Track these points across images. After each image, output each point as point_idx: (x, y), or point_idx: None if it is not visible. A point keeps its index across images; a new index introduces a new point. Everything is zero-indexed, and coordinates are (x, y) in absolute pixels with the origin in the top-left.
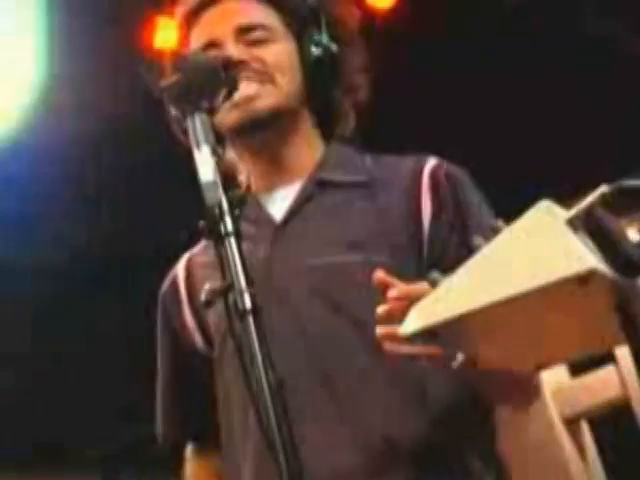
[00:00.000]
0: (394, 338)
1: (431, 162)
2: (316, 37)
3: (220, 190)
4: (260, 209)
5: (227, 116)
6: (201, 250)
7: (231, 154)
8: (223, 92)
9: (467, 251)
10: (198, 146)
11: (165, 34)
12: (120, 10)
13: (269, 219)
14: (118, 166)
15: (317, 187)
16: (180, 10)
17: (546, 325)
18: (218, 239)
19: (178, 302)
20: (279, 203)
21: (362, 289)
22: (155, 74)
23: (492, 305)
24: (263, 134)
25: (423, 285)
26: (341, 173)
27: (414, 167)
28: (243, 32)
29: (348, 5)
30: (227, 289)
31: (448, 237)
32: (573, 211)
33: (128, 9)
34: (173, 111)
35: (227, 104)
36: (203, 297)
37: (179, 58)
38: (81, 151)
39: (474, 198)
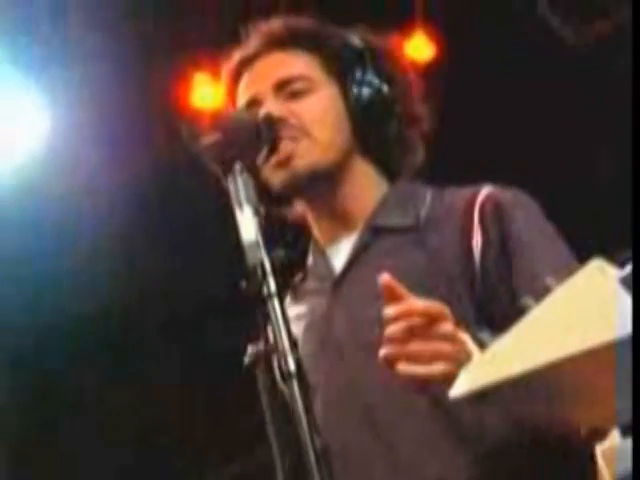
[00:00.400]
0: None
1: (483, 192)
2: (361, 78)
3: (262, 250)
4: (325, 262)
5: (273, 177)
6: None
7: (299, 206)
8: (264, 151)
9: (512, 298)
10: (240, 206)
11: (202, 91)
12: (153, 66)
13: (330, 272)
14: (159, 223)
15: (372, 234)
16: (224, 68)
17: (598, 388)
18: (260, 300)
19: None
20: (342, 254)
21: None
22: (194, 133)
23: (543, 367)
24: (312, 192)
25: (432, 303)
26: (396, 216)
27: (468, 199)
28: (282, 86)
29: (395, 36)
30: (270, 352)
31: (497, 280)
32: (626, 270)
33: (161, 65)
34: (214, 170)
35: (270, 163)
36: (246, 360)
37: (219, 117)
38: (122, 208)
39: (526, 233)
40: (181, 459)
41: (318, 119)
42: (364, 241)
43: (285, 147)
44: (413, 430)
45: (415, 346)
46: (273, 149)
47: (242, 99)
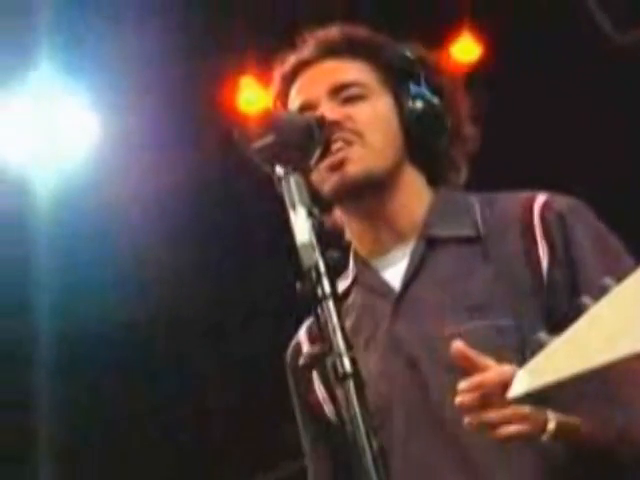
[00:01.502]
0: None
1: (540, 200)
2: (415, 90)
3: (317, 252)
4: (375, 276)
5: (325, 180)
6: None
7: (337, 213)
8: (317, 152)
9: (575, 305)
10: (293, 207)
11: (248, 95)
12: (200, 70)
13: (387, 287)
14: (208, 229)
15: (428, 246)
16: (277, 72)
17: None
18: (316, 302)
19: (306, 375)
20: (394, 267)
21: (491, 357)
22: (247, 135)
23: (600, 367)
24: (363, 199)
25: (504, 370)
26: (451, 227)
27: (524, 207)
28: (337, 91)
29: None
30: (325, 353)
31: (562, 288)
32: None
33: (208, 69)
34: (268, 172)
35: (322, 165)
36: (301, 361)
37: (272, 118)
38: (171, 214)
39: (586, 240)
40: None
41: (373, 124)
42: (420, 253)
43: (338, 151)
44: (489, 442)
45: (491, 414)
46: (326, 151)
47: (295, 103)
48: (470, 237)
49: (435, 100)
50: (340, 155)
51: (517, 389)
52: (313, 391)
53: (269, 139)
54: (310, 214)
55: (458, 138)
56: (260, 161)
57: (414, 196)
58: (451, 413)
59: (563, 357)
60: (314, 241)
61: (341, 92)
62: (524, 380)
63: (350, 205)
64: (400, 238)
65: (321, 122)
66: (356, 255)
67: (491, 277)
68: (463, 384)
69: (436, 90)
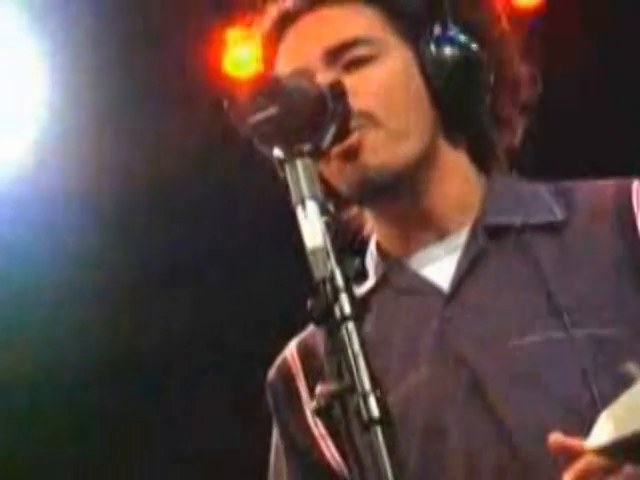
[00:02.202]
0: None
1: (639, 187)
2: (442, 35)
3: (333, 259)
4: (412, 274)
5: (338, 172)
6: (314, 334)
7: (355, 209)
8: (332, 129)
9: None
10: (302, 202)
11: (236, 53)
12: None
13: (431, 287)
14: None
15: (489, 237)
16: (260, 28)
17: None
18: (332, 324)
19: (296, 400)
20: (434, 265)
21: (575, 371)
22: (241, 105)
23: None
24: (390, 197)
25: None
26: (520, 213)
27: (618, 196)
28: (336, 53)
29: None
30: (345, 392)
31: None
32: None
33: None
34: (268, 154)
35: (333, 152)
36: (315, 403)
37: (274, 84)
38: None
39: None
40: None
41: (389, 95)
42: (479, 246)
43: (353, 138)
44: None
45: None
46: (343, 130)
47: (284, 70)
48: (544, 224)
49: (472, 44)
50: (352, 139)
51: (601, 437)
52: (306, 425)
53: (270, 111)
54: (324, 210)
55: (508, 88)
56: (258, 140)
57: (458, 180)
58: (522, 438)
59: None
60: (329, 246)
61: (342, 54)
62: (610, 428)
63: (373, 205)
64: (444, 232)
65: (337, 90)
66: (382, 252)
67: (577, 273)
68: (568, 477)
69: (472, 31)
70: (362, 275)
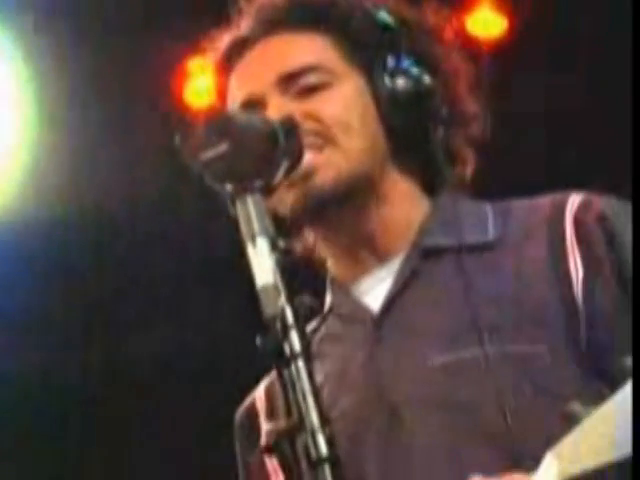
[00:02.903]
0: None
1: (574, 201)
2: (395, 65)
3: (283, 297)
4: (353, 301)
5: (284, 198)
6: None
7: (307, 234)
8: (284, 165)
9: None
10: (252, 239)
11: (201, 82)
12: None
13: (366, 312)
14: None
15: (423, 258)
16: (212, 57)
17: None
18: (281, 361)
19: (257, 437)
20: (377, 288)
21: (490, 390)
22: (192, 141)
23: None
24: (335, 216)
25: None
26: (453, 234)
27: (551, 212)
28: (289, 80)
29: (442, 9)
30: (294, 430)
31: (606, 312)
32: None
33: (150, 49)
34: (218, 191)
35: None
36: (263, 441)
37: (225, 120)
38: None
39: None
40: None
41: (341, 120)
42: (411, 267)
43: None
44: None
45: None
46: (295, 164)
47: (235, 99)
48: (477, 244)
49: (424, 76)
50: (306, 162)
51: (546, 478)
52: (261, 460)
53: (221, 148)
54: (274, 247)
55: (458, 122)
56: (209, 177)
57: (404, 205)
58: (439, 463)
59: (598, 441)
60: (279, 283)
61: (295, 81)
62: (553, 466)
63: (319, 225)
64: (385, 255)
65: (289, 126)
66: (332, 280)
67: (503, 293)
68: None
69: (425, 62)
70: (315, 311)
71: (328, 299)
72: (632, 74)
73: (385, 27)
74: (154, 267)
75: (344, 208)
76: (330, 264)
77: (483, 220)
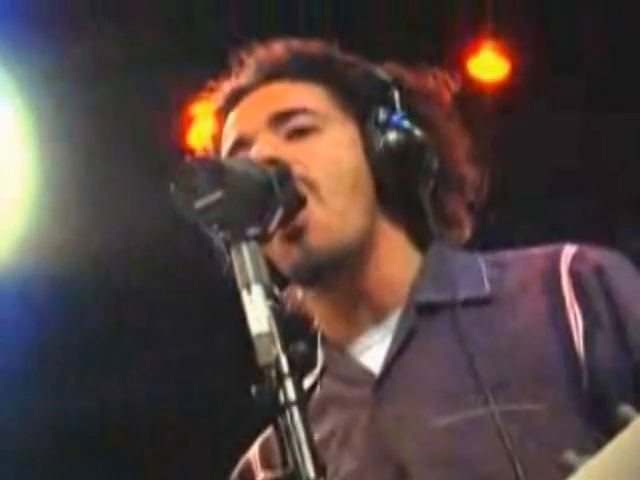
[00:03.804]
0: None
1: (568, 253)
2: (385, 117)
3: (278, 345)
4: (351, 362)
5: (281, 254)
6: None
7: (296, 292)
8: (279, 213)
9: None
10: (247, 287)
11: (203, 128)
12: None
13: (365, 374)
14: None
15: (419, 316)
16: (211, 105)
17: None
18: (276, 410)
19: None
20: (374, 349)
21: (498, 448)
22: (186, 189)
23: None
24: (333, 275)
25: None
26: (446, 289)
27: (546, 264)
28: (280, 120)
29: (439, 76)
30: (289, 478)
31: (607, 363)
32: None
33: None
34: (214, 239)
35: (281, 231)
36: None
37: (217, 167)
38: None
39: (637, 299)
40: None
41: (330, 167)
42: (408, 326)
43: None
44: None
45: None
46: (290, 213)
47: (228, 140)
48: (473, 299)
49: (415, 130)
50: (300, 220)
51: None
52: None
53: (215, 196)
54: (269, 295)
55: (455, 187)
56: (204, 224)
57: (395, 260)
58: None
59: None
60: (275, 331)
61: (287, 120)
62: None
63: (315, 284)
64: (380, 314)
65: (284, 174)
66: (324, 339)
67: (502, 350)
68: None
69: (419, 119)
70: (309, 360)
71: (320, 358)
72: None
73: (381, 82)
74: (153, 316)
75: (340, 268)
76: (320, 322)
77: (478, 274)
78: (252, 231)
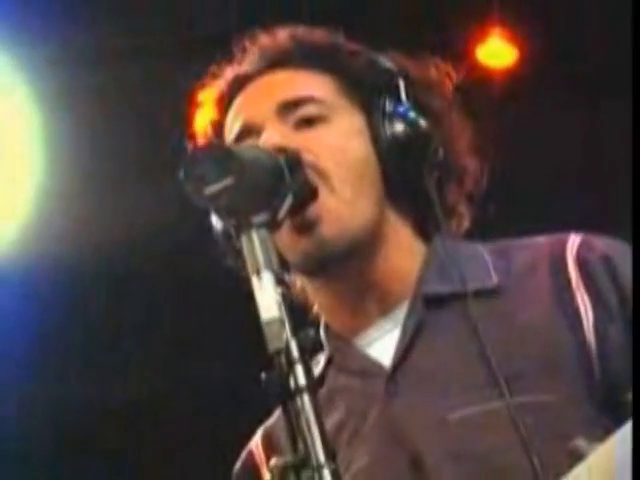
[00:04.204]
0: None
1: (574, 241)
2: (392, 108)
3: (288, 330)
4: (359, 354)
5: (295, 246)
6: (277, 416)
7: (298, 281)
8: (289, 200)
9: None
10: (257, 273)
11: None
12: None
13: (376, 366)
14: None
15: (426, 308)
16: (215, 90)
17: None
18: (286, 396)
19: None
20: (382, 341)
21: (514, 440)
22: (196, 175)
23: None
24: (341, 266)
25: None
26: (453, 281)
27: (552, 252)
28: (289, 109)
29: (441, 67)
30: (300, 465)
31: (621, 352)
32: None
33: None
34: (222, 226)
35: (288, 224)
36: (268, 476)
37: (228, 154)
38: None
39: None
40: None
41: (339, 157)
42: (416, 318)
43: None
44: None
45: None
46: (301, 201)
47: (233, 128)
48: (482, 290)
49: (421, 121)
50: (313, 213)
51: None
52: None
53: (226, 182)
54: (280, 282)
55: (456, 177)
56: (214, 212)
57: (402, 251)
58: None
59: (601, 476)
60: (285, 317)
61: (295, 109)
62: None
63: (323, 275)
64: (388, 305)
65: (294, 161)
66: (329, 331)
67: (513, 342)
68: None
69: (422, 109)
70: (319, 345)
71: (325, 349)
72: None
73: (386, 72)
74: (155, 306)
75: (350, 259)
76: (322, 313)
77: (484, 264)
78: (261, 218)
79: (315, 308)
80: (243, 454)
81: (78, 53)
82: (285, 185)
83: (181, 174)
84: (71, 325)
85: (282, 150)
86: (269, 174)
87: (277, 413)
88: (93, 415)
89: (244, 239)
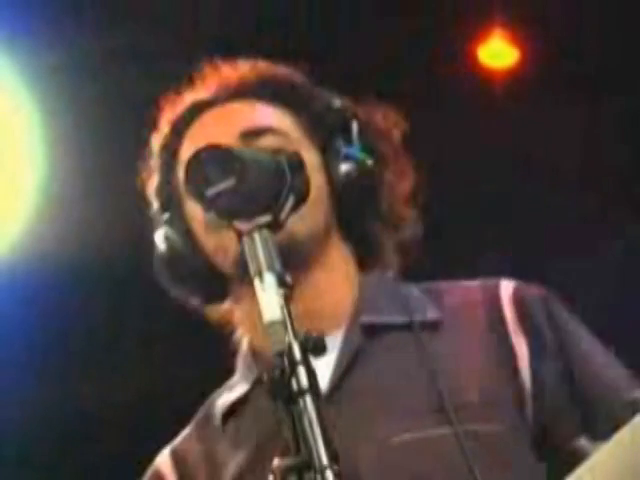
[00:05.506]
0: None
1: (507, 284)
2: (346, 150)
3: (290, 332)
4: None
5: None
6: (188, 439)
7: (225, 305)
8: (290, 201)
9: (580, 412)
10: (260, 275)
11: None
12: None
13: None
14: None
15: (364, 336)
16: (166, 116)
17: None
18: (288, 398)
19: None
20: (319, 364)
21: (461, 467)
22: (198, 177)
23: None
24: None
25: None
26: (392, 311)
27: (485, 296)
28: (250, 138)
29: (391, 114)
30: (302, 466)
31: (558, 388)
32: None
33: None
34: (226, 226)
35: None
36: (271, 477)
37: (229, 155)
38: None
39: (578, 328)
40: None
41: None
42: (354, 345)
43: None
44: None
45: None
46: (301, 200)
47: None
48: (424, 322)
49: (369, 163)
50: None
51: None
52: None
53: (227, 184)
54: (282, 283)
55: (388, 220)
56: (216, 212)
57: (342, 275)
58: None
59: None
60: (287, 318)
61: (256, 140)
62: None
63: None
64: (325, 328)
65: (296, 162)
66: (254, 349)
67: (451, 372)
68: None
69: (371, 152)
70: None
71: (242, 372)
72: None
73: (339, 113)
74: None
75: (296, 267)
76: (253, 334)
77: (422, 299)
78: (264, 219)
79: (242, 329)
80: (149, 472)
81: (80, 57)
82: (287, 186)
83: (183, 176)
84: (72, 328)
85: (281, 151)
86: (271, 175)
87: (184, 433)
88: (94, 417)
89: (246, 241)
